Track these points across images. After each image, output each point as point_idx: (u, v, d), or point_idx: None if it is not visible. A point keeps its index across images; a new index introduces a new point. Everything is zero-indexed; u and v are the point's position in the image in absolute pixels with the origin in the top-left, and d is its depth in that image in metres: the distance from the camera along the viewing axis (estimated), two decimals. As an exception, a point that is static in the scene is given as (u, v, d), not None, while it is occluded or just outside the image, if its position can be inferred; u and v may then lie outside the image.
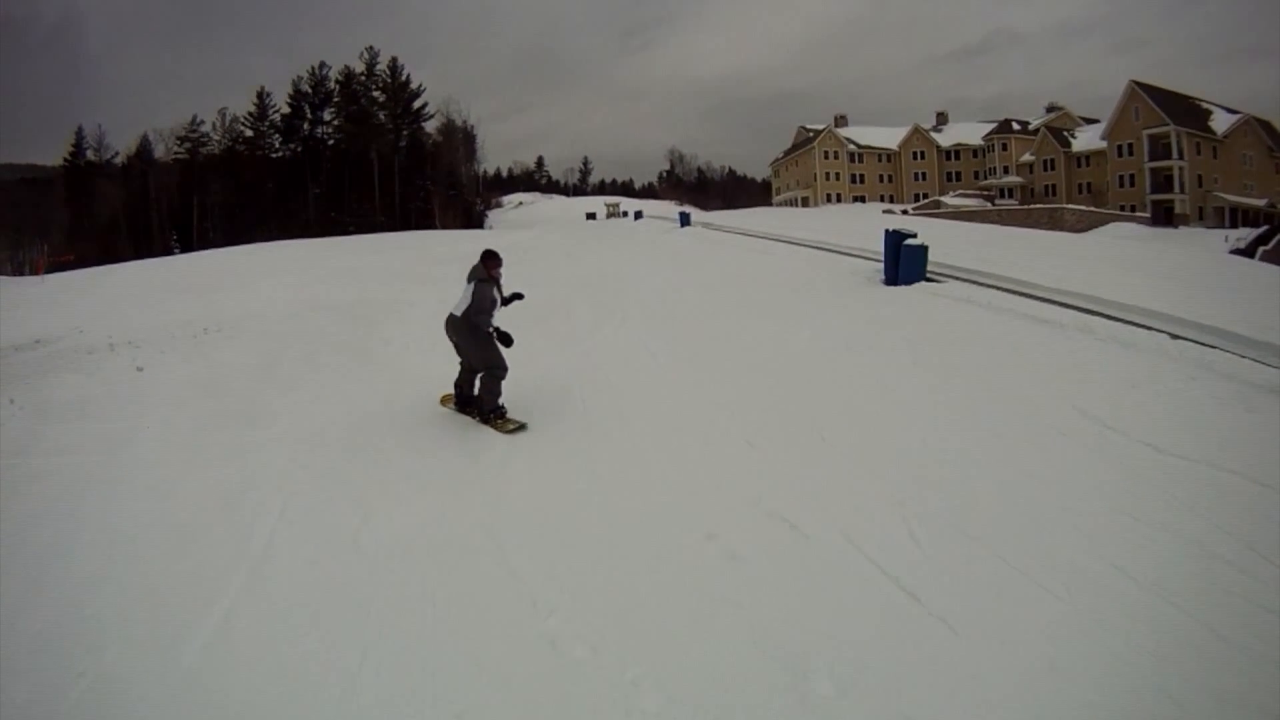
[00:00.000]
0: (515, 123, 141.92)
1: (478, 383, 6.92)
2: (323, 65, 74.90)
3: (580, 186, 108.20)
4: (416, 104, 76.02)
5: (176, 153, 73.85)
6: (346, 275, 16.70)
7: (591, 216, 60.44)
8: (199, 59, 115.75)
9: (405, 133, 74.66)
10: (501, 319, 6.86)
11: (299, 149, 73.98)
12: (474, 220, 71.60)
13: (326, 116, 75.23)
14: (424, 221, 65.81)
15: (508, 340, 6.59)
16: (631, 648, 3.55)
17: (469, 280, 6.77)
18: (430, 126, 76.30)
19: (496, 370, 6.79)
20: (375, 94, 75.29)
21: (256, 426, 7.18)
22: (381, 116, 74.22)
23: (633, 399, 7.19)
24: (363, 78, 74.87)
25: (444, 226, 61.18)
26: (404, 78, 75.82)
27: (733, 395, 7.00)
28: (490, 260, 6.81)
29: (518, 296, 7.22)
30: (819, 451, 5.59)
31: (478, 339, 6.70)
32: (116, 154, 75.65)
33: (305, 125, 74.86)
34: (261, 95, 75.15)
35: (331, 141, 74.10)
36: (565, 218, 60.57)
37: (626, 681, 3.33)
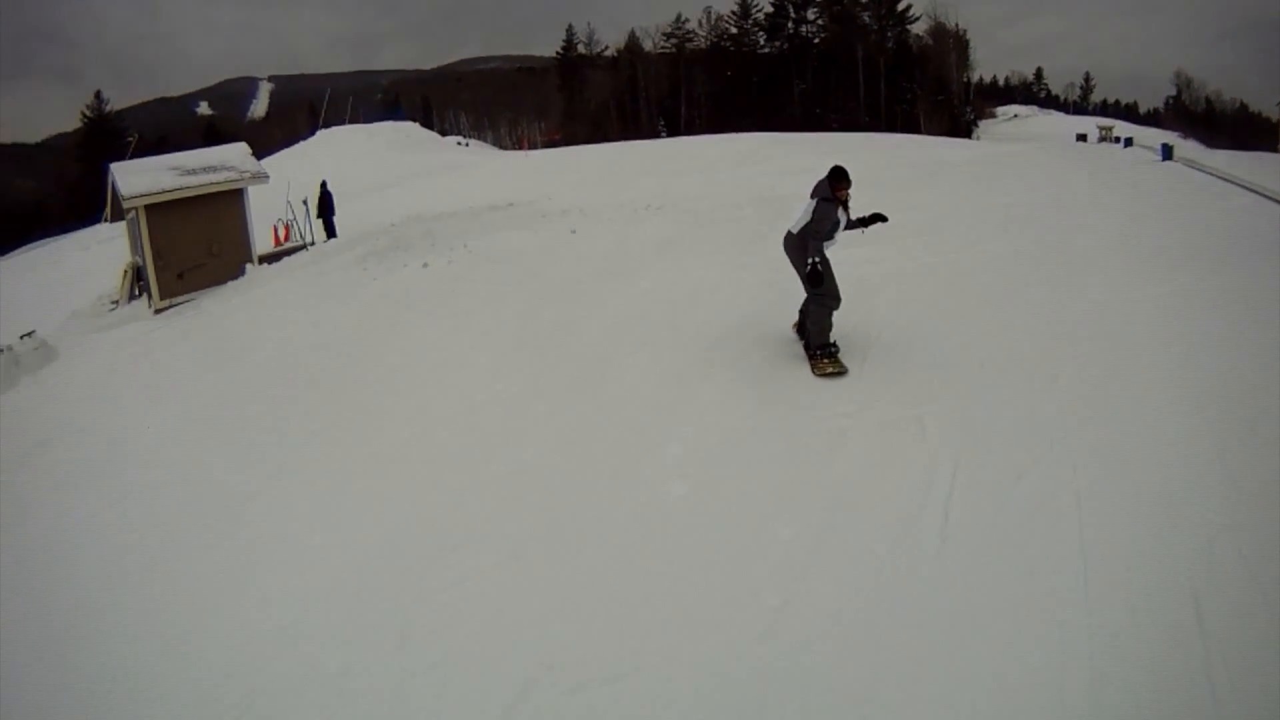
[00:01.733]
0: (1020, 28, 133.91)
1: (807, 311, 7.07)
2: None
3: (1080, 104, 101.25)
4: (900, 6, 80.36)
5: (663, 47, 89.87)
6: (798, 170, 18.74)
7: (1082, 138, 58.77)
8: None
9: (890, 35, 79.76)
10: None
11: (784, 46, 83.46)
12: (961, 129, 72.60)
13: (810, 16, 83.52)
14: (908, 125, 68.49)
15: (817, 279, 6.68)
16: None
17: (811, 196, 6.86)
18: (919, 29, 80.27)
19: (825, 299, 6.86)
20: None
21: (604, 292, 10.06)
22: (865, 18, 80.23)
23: (924, 316, 7.85)
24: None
25: (928, 133, 62.74)
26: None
27: (996, 336, 7.32)
28: (837, 180, 6.77)
29: (879, 218, 7.16)
30: (1036, 387, 6.09)
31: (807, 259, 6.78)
32: (606, 48, 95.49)
33: (789, 24, 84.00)
34: None
35: (816, 40, 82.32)
36: (1056, 135, 57.84)
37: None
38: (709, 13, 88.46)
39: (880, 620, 3.97)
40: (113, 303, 18.12)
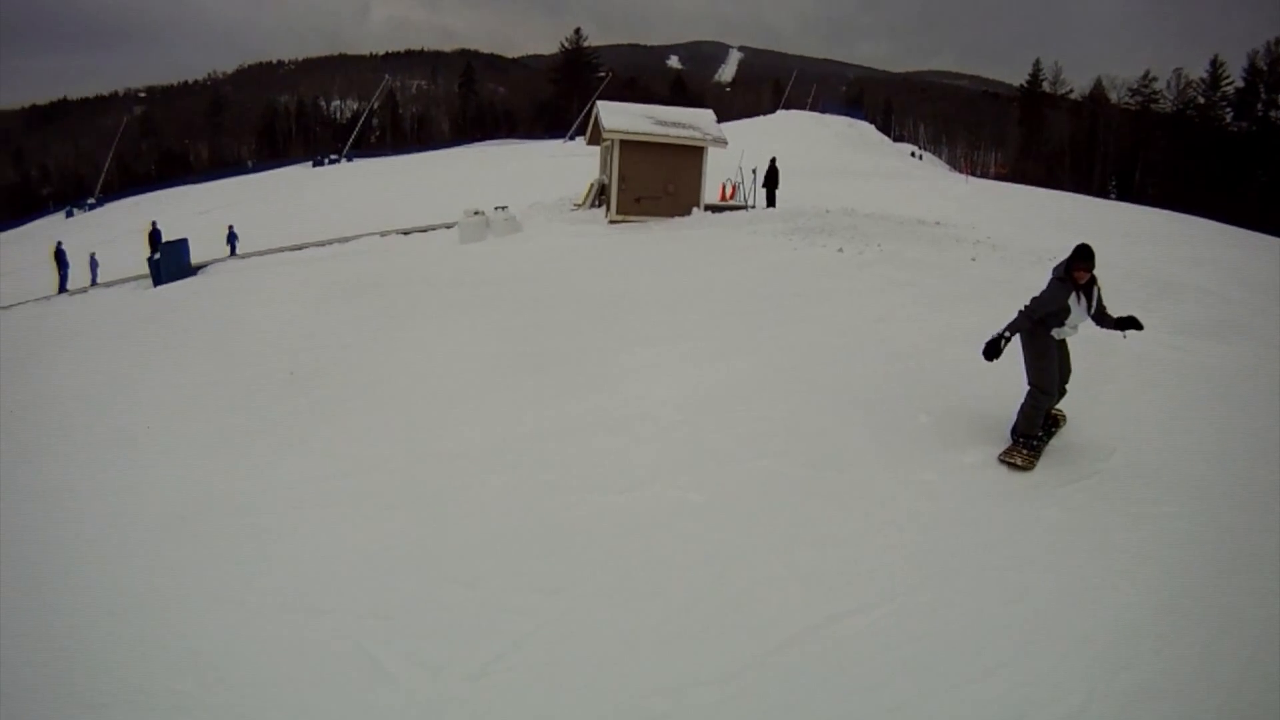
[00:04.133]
0: None
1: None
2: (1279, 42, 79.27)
3: None
4: None
5: (1126, 103, 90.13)
6: (1204, 262, 18.33)
7: None
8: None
9: (1376, 138, 72.09)
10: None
11: (1251, 127, 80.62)
12: None
13: None
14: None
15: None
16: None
17: (1051, 273, 6.81)
18: None
19: (1037, 393, 6.77)
20: (1339, 92, 75.56)
21: (953, 314, 11.31)
22: (1347, 111, 73.85)
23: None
24: (1322, 68, 75.64)
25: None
26: (1374, 80, 73.72)
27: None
28: (1077, 260, 6.55)
29: (1132, 324, 6.76)
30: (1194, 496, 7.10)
31: (1031, 341, 6.76)
32: (1071, 90, 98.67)
33: (1259, 105, 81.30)
34: (1215, 64, 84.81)
35: (1286, 130, 77.13)
36: None
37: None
38: (1178, 75, 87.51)
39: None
40: (575, 205, 23.59)
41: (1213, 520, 5.78)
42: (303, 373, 9.36)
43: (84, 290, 25.35)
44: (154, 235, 26.96)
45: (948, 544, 5.57)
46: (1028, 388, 6.78)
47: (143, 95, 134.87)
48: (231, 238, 27.75)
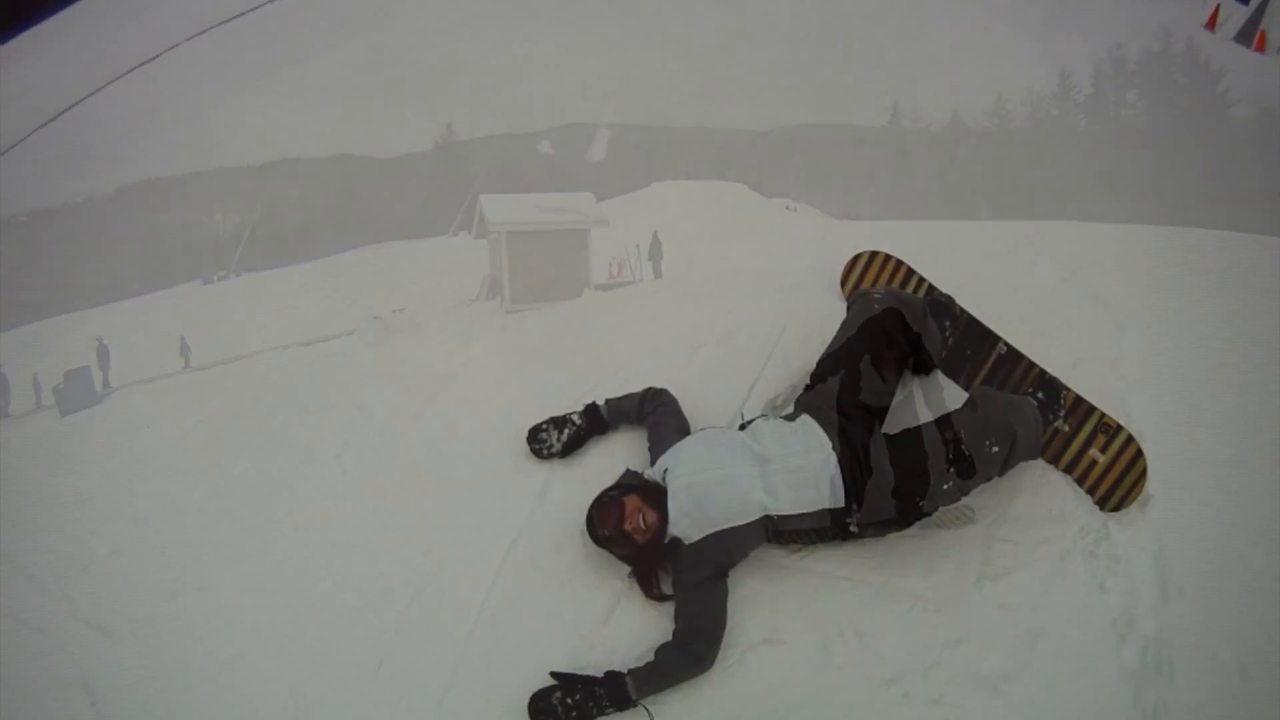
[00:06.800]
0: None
1: None
2: (1118, 46, 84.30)
3: None
4: (1219, 88, 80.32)
5: (984, 128, 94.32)
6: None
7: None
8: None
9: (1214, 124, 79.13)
10: None
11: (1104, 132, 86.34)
12: (1291, 223, 68.25)
13: (1130, 98, 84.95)
14: (1234, 221, 65.98)
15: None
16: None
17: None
18: (1243, 114, 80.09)
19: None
20: (1176, 78, 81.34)
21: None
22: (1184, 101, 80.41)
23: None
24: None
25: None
26: (1203, 60, 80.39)
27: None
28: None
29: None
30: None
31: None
32: (930, 124, 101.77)
33: (1111, 109, 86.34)
34: (1064, 76, 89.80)
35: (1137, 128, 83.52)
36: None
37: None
38: (1030, 95, 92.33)
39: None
40: (470, 300, 24.22)
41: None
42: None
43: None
44: (101, 352, 26.07)
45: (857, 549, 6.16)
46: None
47: (24, 220, 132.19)
48: (185, 349, 27.22)
